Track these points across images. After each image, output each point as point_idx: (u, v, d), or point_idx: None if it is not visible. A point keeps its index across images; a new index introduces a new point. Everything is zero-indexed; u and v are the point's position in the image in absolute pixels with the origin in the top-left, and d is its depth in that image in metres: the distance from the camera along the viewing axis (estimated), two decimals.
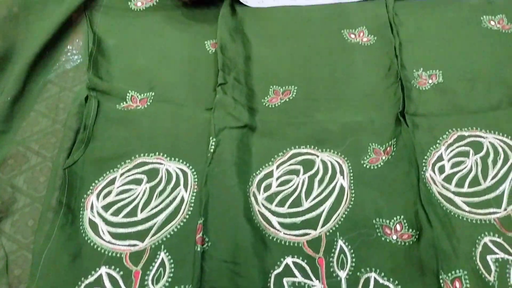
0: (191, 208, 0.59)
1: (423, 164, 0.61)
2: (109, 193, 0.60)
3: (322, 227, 0.57)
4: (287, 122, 0.67)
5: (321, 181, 0.60)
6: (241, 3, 0.82)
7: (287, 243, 0.56)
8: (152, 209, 0.59)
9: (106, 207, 0.59)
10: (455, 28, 0.77)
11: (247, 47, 0.77)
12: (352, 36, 0.78)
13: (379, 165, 0.61)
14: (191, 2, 0.81)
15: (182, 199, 0.59)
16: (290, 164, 0.62)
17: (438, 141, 0.63)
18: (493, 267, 0.53)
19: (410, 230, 0.56)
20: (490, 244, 0.55)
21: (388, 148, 0.63)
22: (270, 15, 0.82)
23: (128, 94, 0.69)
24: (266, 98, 0.70)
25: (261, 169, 0.62)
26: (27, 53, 0.72)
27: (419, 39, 0.76)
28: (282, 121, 0.67)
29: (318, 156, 0.63)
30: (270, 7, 0.83)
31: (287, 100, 0.69)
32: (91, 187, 0.60)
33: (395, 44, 0.74)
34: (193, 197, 0.60)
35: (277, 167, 0.62)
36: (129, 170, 0.62)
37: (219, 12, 0.79)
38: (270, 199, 0.59)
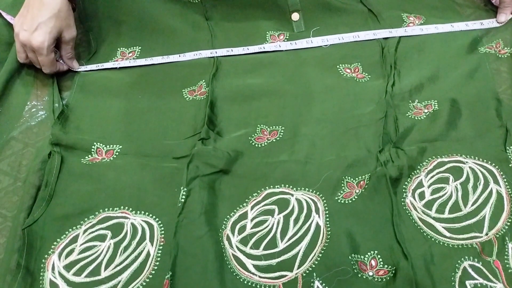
0: (157, 263, 0.56)
1: (403, 190, 0.60)
2: (71, 251, 0.57)
3: (298, 268, 0.54)
4: (265, 162, 0.65)
5: (296, 220, 0.58)
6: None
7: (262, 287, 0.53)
8: (116, 266, 0.56)
9: (67, 267, 0.56)
10: (454, 57, 0.77)
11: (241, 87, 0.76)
12: (348, 71, 0.77)
13: (353, 199, 0.60)
14: None
15: (148, 254, 0.57)
16: (265, 205, 0.60)
17: (418, 167, 0.62)
18: None
19: (386, 266, 0.53)
20: (469, 269, 0.53)
21: (361, 182, 0.61)
22: (262, 61, 0.80)
23: (93, 147, 0.67)
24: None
25: (235, 210, 0.60)
26: None
27: (416, 69, 0.76)
28: (262, 161, 0.65)
29: (292, 195, 0.61)
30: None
31: (274, 141, 0.68)
32: (52, 247, 0.57)
33: (388, 78, 0.74)
34: (160, 251, 0.57)
35: (252, 208, 0.60)
36: (92, 226, 0.59)
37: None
38: (244, 241, 0.57)
